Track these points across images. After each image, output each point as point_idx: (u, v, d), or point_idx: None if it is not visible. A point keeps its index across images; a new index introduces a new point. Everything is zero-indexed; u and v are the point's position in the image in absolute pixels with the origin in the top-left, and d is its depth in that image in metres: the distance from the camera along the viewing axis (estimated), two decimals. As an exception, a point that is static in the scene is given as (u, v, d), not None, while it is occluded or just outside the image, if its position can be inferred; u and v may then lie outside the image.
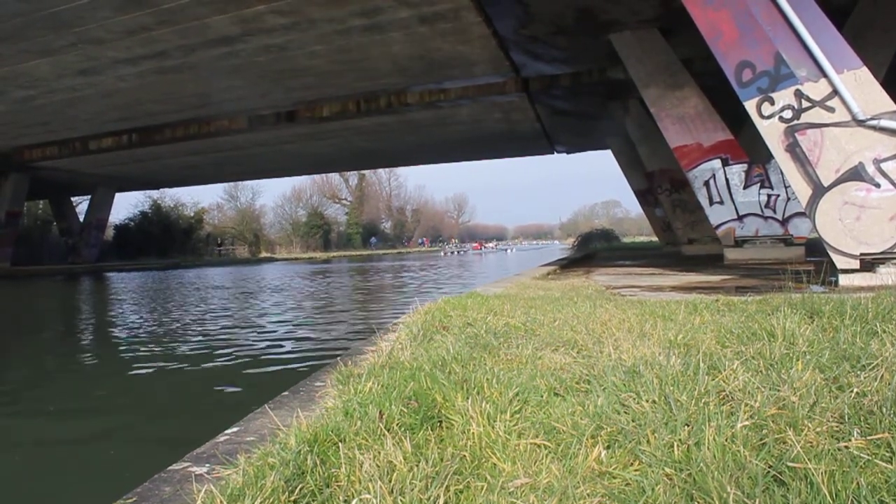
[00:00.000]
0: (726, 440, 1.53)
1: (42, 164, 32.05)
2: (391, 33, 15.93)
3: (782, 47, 7.45)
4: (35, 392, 6.60)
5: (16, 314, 16.44)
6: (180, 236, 56.24)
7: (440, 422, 1.85)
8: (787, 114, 7.41)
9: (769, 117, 7.59)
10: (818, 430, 1.58)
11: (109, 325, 12.41)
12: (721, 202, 12.97)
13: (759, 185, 12.64)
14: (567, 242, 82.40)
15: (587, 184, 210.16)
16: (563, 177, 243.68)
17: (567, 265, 16.47)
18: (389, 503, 1.32)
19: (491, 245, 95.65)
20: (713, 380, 2.06)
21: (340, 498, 1.40)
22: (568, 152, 36.10)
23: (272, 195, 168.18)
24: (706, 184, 13.09)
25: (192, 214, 60.69)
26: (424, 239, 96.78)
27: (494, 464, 1.54)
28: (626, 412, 1.82)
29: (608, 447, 1.60)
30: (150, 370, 7.28)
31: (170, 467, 1.75)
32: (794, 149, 7.34)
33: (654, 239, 36.48)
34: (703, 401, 1.84)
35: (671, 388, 1.97)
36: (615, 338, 3.00)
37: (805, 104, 7.28)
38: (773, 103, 7.56)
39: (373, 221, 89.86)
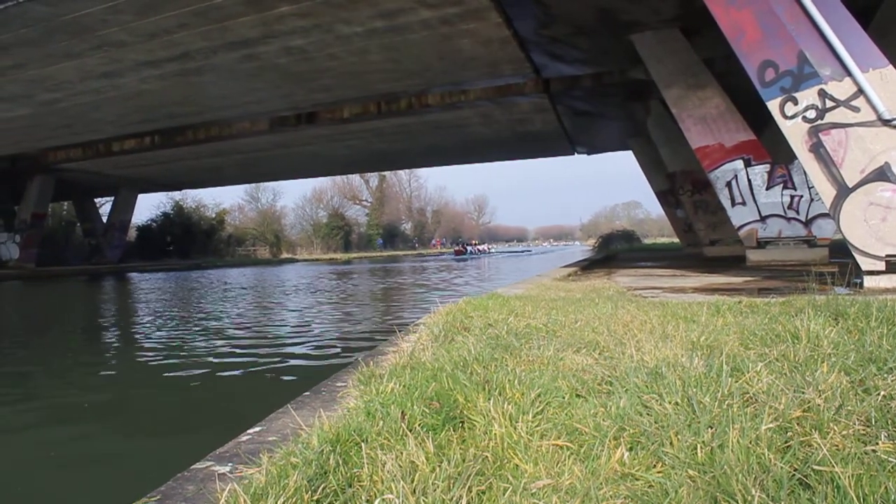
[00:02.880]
0: (750, 443, 1.52)
1: (66, 166, 32.44)
2: (411, 35, 15.95)
3: (806, 46, 7.38)
4: (65, 388, 6.69)
5: (46, 313, 16.64)
6: (202, 237, 56.64)
7: (462, 422, 1.85)
8: (811, 114, 7.34)
9: (792, 117, 7.52)
10: (844, 433, 1.57)
11: (136, 324, 12.53)
12: (743, 203, 12.86)
13: (781, 185, 12.52)
14: (588, 244, 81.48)
15: (608, 185, 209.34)
16: (583, 178, 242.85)
17: (588, 266, 16.41)
18: (412, 503, 1.32)
19: (482, 247, 76.22)
20: (736, 382, 2.04)
21: (363, 498, 1.40)
22: (589, 153, 35.96)
23: (293, 196, 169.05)
24: (728, 184, 12.98)
25: (213, 215, 61.13)
26: (436, 240, 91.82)
27: (517, 465, 1.54)
28: (648, 414, 1.81)
29: (631, 449, 1.59)
30: (175, 368, 7.33)
31: (193, 466, 1.76)
32: (817, 149, 7.27)
33: (676, 240, 36.25)
34: (726, 403, 1.83)
35: (694, 389, 1.96)
36: (637, 339, 2.99)
37: (829, 104, 7.20)
38: (796, 103, 7.49)
39: (393, 223, 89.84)
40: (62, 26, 14.66)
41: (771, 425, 1.61)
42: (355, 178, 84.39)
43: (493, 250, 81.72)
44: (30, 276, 33.40)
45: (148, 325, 12.14)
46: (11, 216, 36.80)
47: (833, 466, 1.36)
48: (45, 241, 38.71)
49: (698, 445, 1.54)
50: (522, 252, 70.41)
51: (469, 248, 70.05)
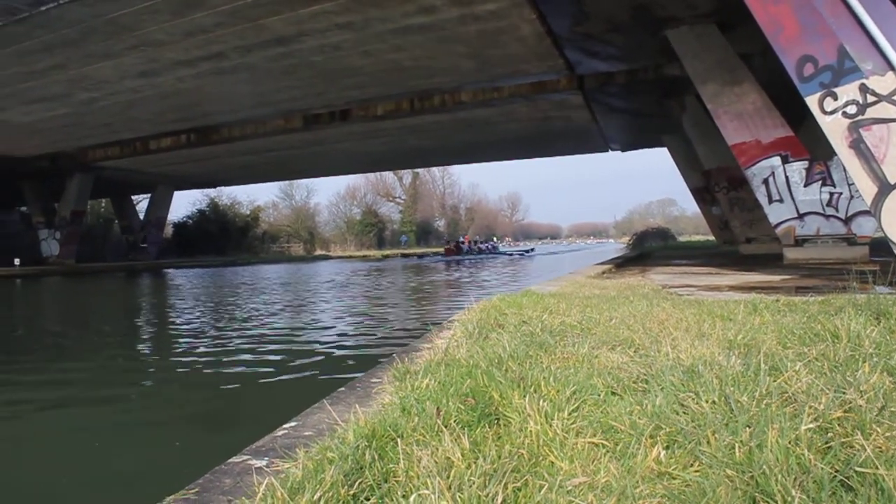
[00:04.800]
0: (790, 443, 1.50)
1: (104, 165, 33.00)
2: (445, 32, 15.98)
3: (846, 40, 7.25)
4: (103, 380, 6.81)
5: (87, 308, 16.94)
6: (237, 234, 57.25)
7: (497, 419, 1.85)
8: (852, 109, 7.21)
9: (832, 113, 7.41)
10: (888, 434, 1.54)
11: (173, 319, 12.71)
12: (780, 200, 12.67)
13: (820, 182, 12.31)
14: (622, 241, 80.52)
15: (642, 182, 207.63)
16: (617, 175, 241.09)
17: (622, 264, 16.31)
18: (448, 499, 1.32)
19: (486, 244, 59.05)
20: (775, 381, 2.02)
21: (399, 493, 1.41)
22: (623, 150, 35.72)
23: (327, 194, 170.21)
24: (765, 182, 12.80)
25: (248, 212, 61.76)
26: (465, 237, 77.14)
27: (552, 462, 1.54)
28: (685, 412, 1.79)
29: (667, 447, 1.58)
30: (210, 363, 7.43)
31: (229, 460, 1.77)
32: (858, 145, 7.14)
33: (711, 238, 35.90)
34: (764, 402, 1.81)
35: (731, 388, 1.94)
36: (673, 337, 2.96)
37: (871, 99, 7.07)
38: (836, 98, 7.37)
39: (426, 220, 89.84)
40: (101, 26, 14.93)
41: (811, 425, 1.59)
42: (389, 176, 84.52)
43: (509, 248, 70.81)
44: (70, 273, 34.03)
45: (184, 319, 12.30)
46: (52, 214, 37.53)
47: (877, 468, 1.34)
48: (84, 237, 39.43)
49: (736, 445, 1.52)
50: (525, 254, 51.78)
51: (464, 246, 55.92)
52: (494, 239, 70.54)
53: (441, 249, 57.91)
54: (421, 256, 53.93)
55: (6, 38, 15.44)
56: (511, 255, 51.42)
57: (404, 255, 57.51)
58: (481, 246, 57.59)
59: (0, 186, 36.87)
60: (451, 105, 23.12)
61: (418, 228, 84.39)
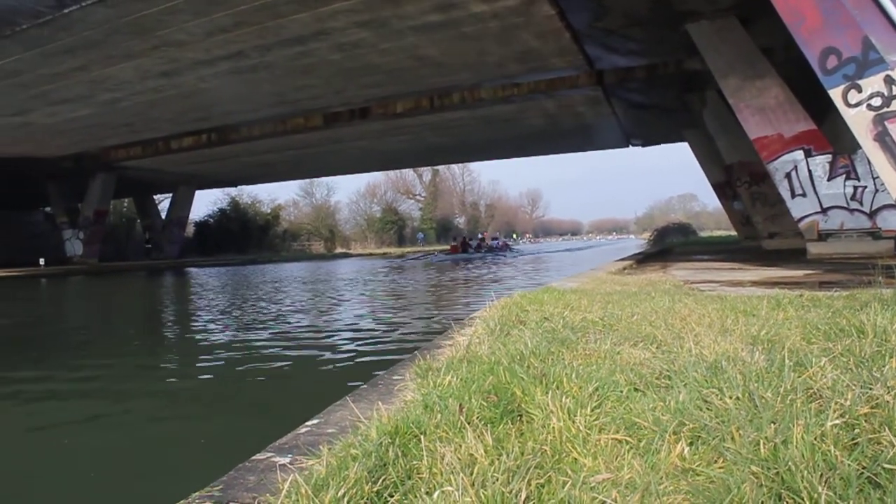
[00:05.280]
0: (815, 439, 1.49)
1: (127, 164, 33.36)
2: (464, 29, 15.97)
3: (871, 31, 7.16)
4: (127, 377, 6.88)
5: (112, 305, 17.13)
6: (257, 232, 57.65)
7: (520, 416, 1.85)
8: (877, 101, 7.13)
9: (856, 105, 7.32)
10: (916, 430, 1.52)
11: (196, 316, 12.81)
12: (803, 195, 12.55)
13: (844, 176, 12.17)
14: (643, 237, 79.96)
15: (662, 177, 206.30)
16: (638, 170, 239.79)
17: (643, 260, 16.23)
18: (472, 495, 1.32)
19: (496, 241, 53.65)
20: (799, 377, 2.00)
21: (422, 489, 1.41)
22: (643, 145, 35.52)
23: (347, 191, 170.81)
24: (788, 176, 12.69)
25: (268, 211, 62.15)
26: (484, 233, 68.20)
27: (575, 458, 1.54)
28: (708, 408, 1.78)
29: (691, 444, 1.58)
30: (231, 360, 7.48)
31: (253, 457, 1.78)
32: (883, 138, 7.06)
33: (733, 233, 35.59)
34: (789, 398, 1.80)
35: (755, 384, 1.93)
36: (695, 333, 2.95)
37: (896, 91, 6.98)
38: (860, 91, 7.28)
39: (446, 217, 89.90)
40: (122, 27, 15.08)
41: (837, 421, 1.57)
42: (408, 173, 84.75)
43: (529, 244, 67.88)
44: (93, 272, 34.43)
45: (207, 317, 12.40)
46: (76, 214, 37.98)
47: (905, 465, 1.32)
48: (107, 237, 39.87)
49: (761, 441, 1.51)
50: (592, 245, 45.90)
51: (473, 243, 50.04)
52: (514, 236, 68.02)
53: (447, 247, 52.18)
54: (424, 256, 48.11)
55: (30, 41, 15.64)
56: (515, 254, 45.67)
57: (398, 257, 51.47)
58: (492, 243, 52.02)
59: (25, 187, 37.37)
60: (471, 102, 23.12)
61: (438, 225, 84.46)
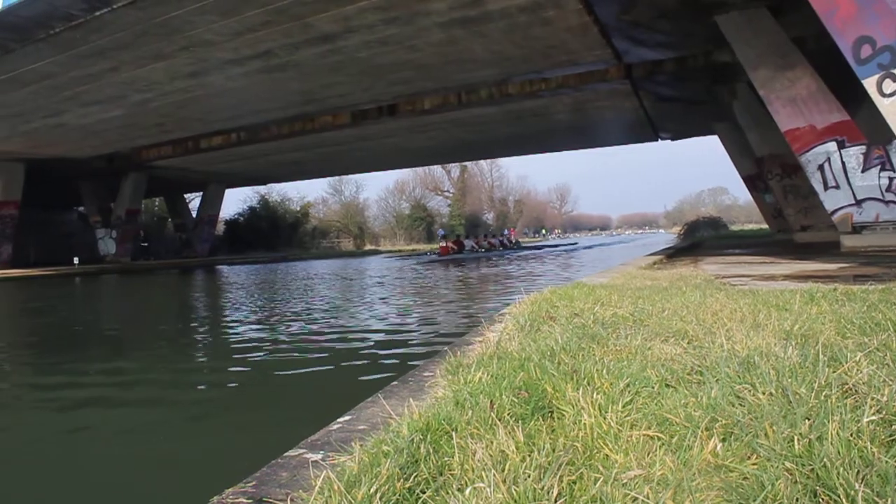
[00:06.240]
0: (851, 435, 1.47)
1: (157, 164, 33.77)
2: (491, 24, 15.95)
3: (905, 21, 7.03)
4: (159, 374, 6.98)
5: (150, 304, 17.37)
6: (287, 230, 58.11)
7: (551, 412, 1.85)
8: (912, 91, 7.00)
9: (891, 95, 7.20)
10: (955, 426, 1.50)
11: (226, 313, 12.94)
12: (837, 187, 12.36)
13: (879, 167, 11.95)
14: (672, 231, 79.09)
15: (692, 171, 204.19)
16: (667, 164, 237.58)
17: (673, 254, 16.11)
18: (503, 492, 1.33)
19: (497, 239, 48.15)
20: (834, 372, 1.97)
21: (454, 486, 1.42)
22: (673, 139, 35.24)
23: (375, 188, 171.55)
24: (820, 168, 12.50)
25: (298, 209, 62.67)
26: (510, 230, 62.92)
27: (607, 455, 1.53)
28: (741, 404, 1.77)
29: (724, 440, 1.56)
30: (262, 356, 7.55)
31: (285, 453, 1.80)
32: (919, 128, 6.93)
33: (764, 226, 35.19)
34: (823, 394, 1.77)
35: (789, 380, 1.91)
36: (727, 328, 2.92)
37: (931, 81, 6.85)
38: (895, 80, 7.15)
39: (475, 213, 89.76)
40: (152, 29, 15.27)
41: (873, 418, 1.55)
42: (437, 170, 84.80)
43: (558, 239, 63.16)
44: (126, 270, 34.94)
45: (237, 314, 12.52)
46: (108, 213, 38.55)
47: (945, 462, 1.30)
48: (139, 235, 40.42)
49: (795, 437, 1.49)
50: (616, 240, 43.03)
51: (469, 241, 44.35)
52: (543, 232, 65.76)
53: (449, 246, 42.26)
54: (408, 256, 41.54)
55: (64, 44, 15.90)
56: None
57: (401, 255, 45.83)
58: (492, 241, 46.40)
59: (59, 187, 37.99)
60: (499, 97, 23.05)
61: (467, 222, 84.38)
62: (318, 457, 1.74)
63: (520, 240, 53.89)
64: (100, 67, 18.08)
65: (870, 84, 7.37)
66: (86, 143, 29.27)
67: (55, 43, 15.86)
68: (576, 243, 58.18)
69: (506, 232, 57.93)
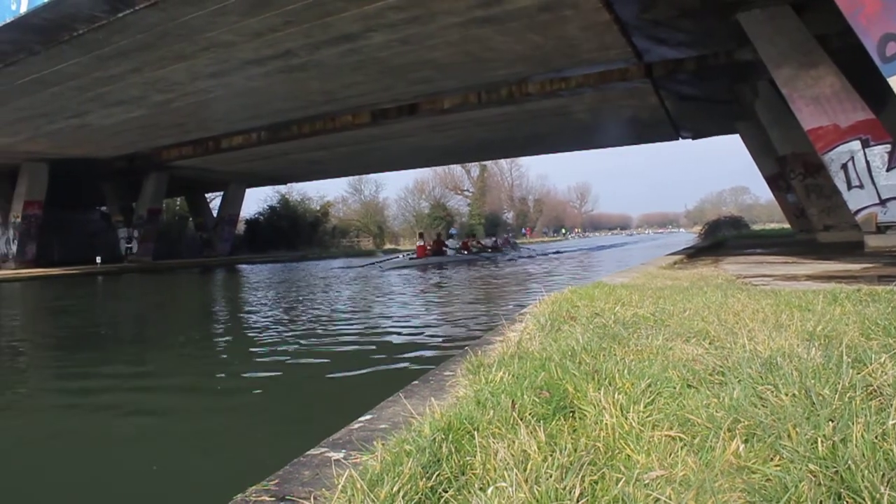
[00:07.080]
0: (876, 438, 1.46)
1: (178, 164, 34.00)
2: (511, 23, 15.92)
3: (931, 18, 6.95)
4: (181, 373, 7.04)
5: (173, 302, 17.52)
6: (307, 229, 58.29)
7: (572, 412, 1.85)
8: (938, 89, 6.91)
9: (917, 94, 7.11)
10: (982, 429, 1.48)
11: (247, 312, 13.03)
12: (861, 186, 12.22)
13: (904, 166, 11.82)
14: (693, 231, 78.46)
15: (713, 170, 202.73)
16: (688, 163, 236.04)
17: (694, 254, 16.01)
18: (525, 491, 1.33)
19: (494, 241, 40.18)
20: (858, 373, 1.96)
21: (476, 485, 1.42)
22: (693, 138, 34.96)
23: (395, 188, 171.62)
24: (844, 167, 12.36)
25: (318, 208, 62.81)
26: (526, 229, 60.94)
27: (628, 455, 1.53)
28: (763, 405, 1.76)
29: (746, 441, 1.56)
30: (283, 355, 7.59)
31: (307, 452, 1.81)
32: (945, 127, 6.84)
33: (786, 226, 34.85)
34: (847, 395, 1.76)
35: (812, 381, 1.89)
36: (749, 328, 2.91)
37: (958, 78, 6.76)
38: (921, 79, 7.07)
39: (495, 212, 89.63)
40: (173, 30, 15.38)
41: (899, 419, 1.54)
42: (457, 169, 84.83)
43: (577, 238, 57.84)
44: (148, 269, 35.21)
45: (258, 313, 12.59)
46: (130, 212, 38.90)
47: (971, 465, 1.29)
48: (160, 235, 40.75)
49: (818, 439, 1.48)
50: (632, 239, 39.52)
51: (453, 242, 39.09)
52: (563, 231, 64.39)
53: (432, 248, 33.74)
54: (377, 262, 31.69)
55: (87, 45, 16.06)
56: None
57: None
58: (484, 242, 39.32)
59: (82, 187, 38.35)
60: (519, 97, 22.99)
61: (487, 221, 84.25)
62: (339, 455, 1.76)
63: (517, 241, 49.40)
64: (122, 68, 18.23)
65: (895, 82, 7.28)
66: (108, 144, 29.53)
67: (79, 44, 16.01)
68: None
69: (506, 235, 54.92)
